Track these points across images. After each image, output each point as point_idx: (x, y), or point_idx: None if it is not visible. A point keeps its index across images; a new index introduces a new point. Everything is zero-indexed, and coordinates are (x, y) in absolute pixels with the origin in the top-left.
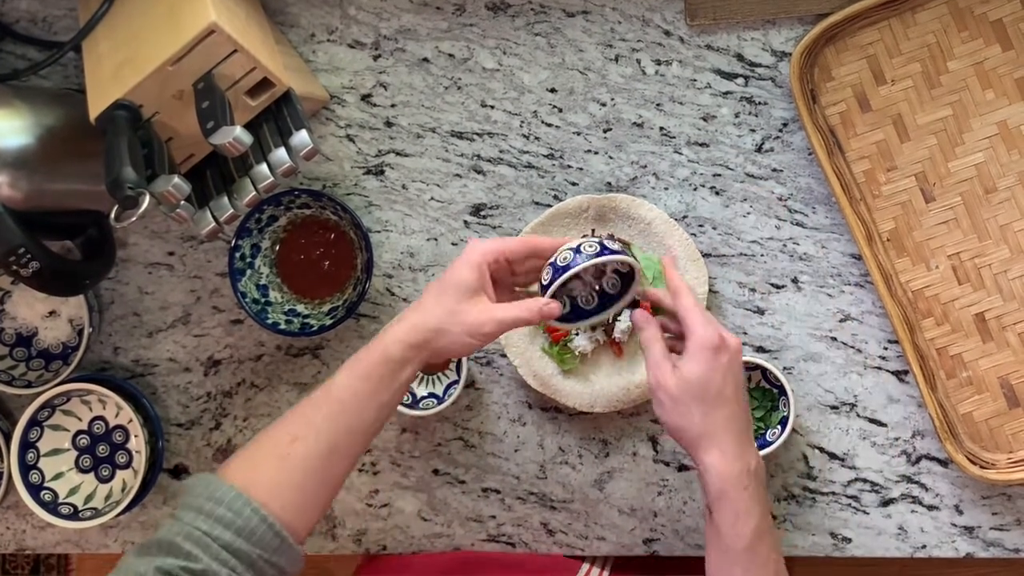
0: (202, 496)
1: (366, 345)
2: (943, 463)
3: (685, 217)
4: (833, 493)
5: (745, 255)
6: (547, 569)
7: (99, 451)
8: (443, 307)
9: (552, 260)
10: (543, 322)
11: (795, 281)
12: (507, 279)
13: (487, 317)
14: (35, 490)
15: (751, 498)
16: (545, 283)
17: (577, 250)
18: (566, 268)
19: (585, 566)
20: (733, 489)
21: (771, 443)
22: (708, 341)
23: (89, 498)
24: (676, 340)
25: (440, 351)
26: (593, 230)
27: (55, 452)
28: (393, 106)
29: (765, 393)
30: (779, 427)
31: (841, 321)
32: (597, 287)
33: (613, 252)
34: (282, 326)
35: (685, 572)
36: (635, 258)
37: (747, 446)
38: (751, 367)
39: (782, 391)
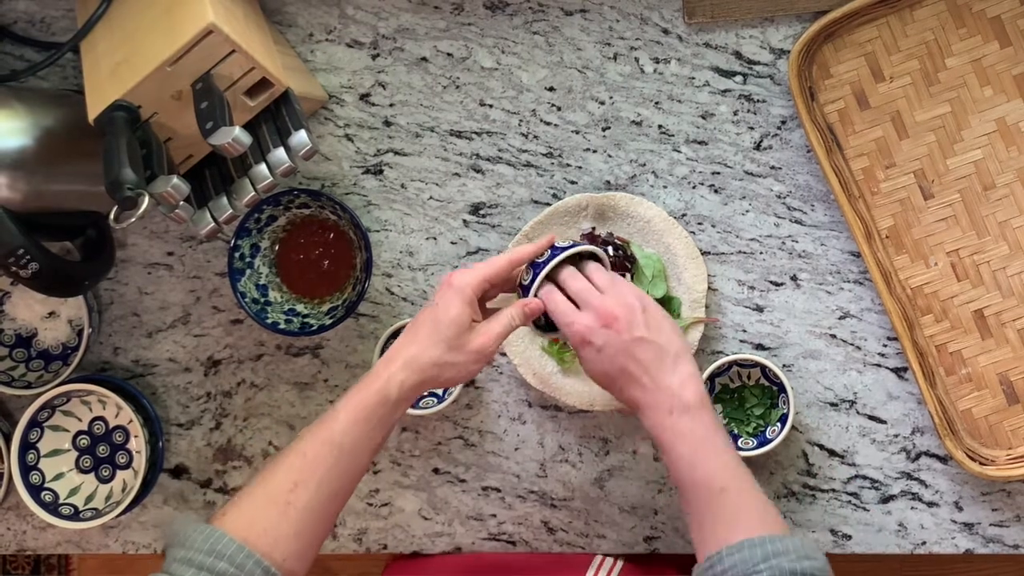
0: (202, 550)
1: (363, 381)
2: (943, 460)
3: (684, 215)
4: (833, 490)
5: (744, 253)
6: (560, 566)
7: (99, 451)
8: (442, 344)
9: (531, 261)
10: (529, 322)
11: (794, 279)
12: (487, 295)
13: (486, 338)
14: (35, 491)
15: (672, 436)
16: (526, 283)
17: (553, 247)
18: (544, 263)
19: (598, 558)
20: (657, 436)
21: (771, 440)
22: (574, 340)
23: (89, 498)
24: None
25: (447, 382)
26: (593, 228)
27: (55, 453)
28: (392, 105)
29: (765, 391)
30: (779, 424)
31: (840, 318)
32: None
33: (586, 244)
34: (282, 326)
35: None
36: (630, 253)
37: (657, 392)
38: (750, 364)
39: (781, 388)
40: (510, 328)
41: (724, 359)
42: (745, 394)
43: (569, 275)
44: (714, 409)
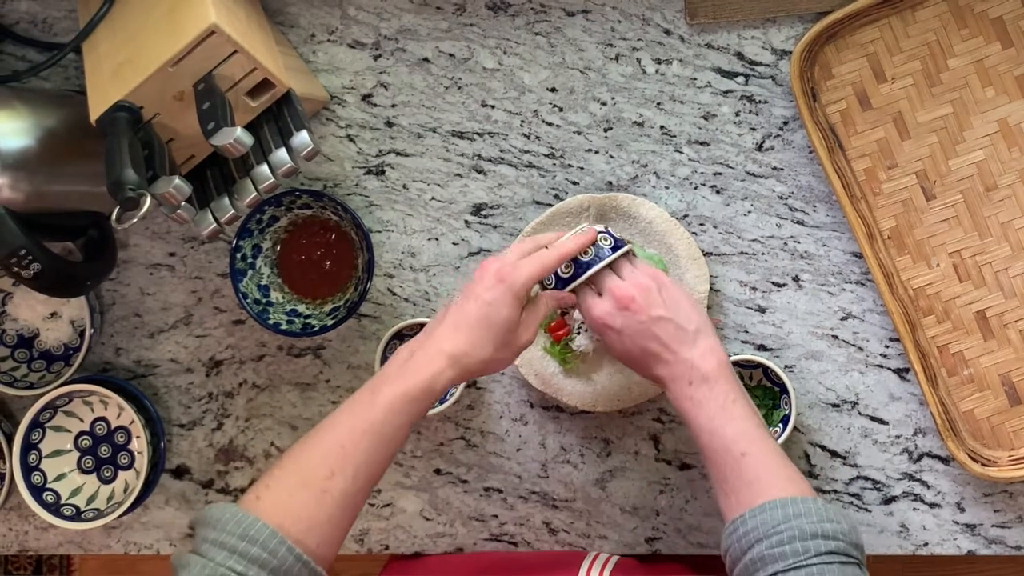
0: (234, 534)
1: (399, 370)
2: (945, 461)
3: (686, 216)
4: (835, 491)
5: (746, 254)
6: (554, 564)
7: (101, 452)
8: (493, 344)
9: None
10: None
11: (796, 279)
12: None
13: (529, 333)
14: (37, 491)
15: (693, 406)
16: (565, 276)
17: (595, 245)
18: (590, 265)
19: (592, 553)
20: (680, 409)
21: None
22: (597, 328)
23: (91, 499)
24: None
25: (487, 373)
26: None
27: (57, 453)
28: (394, 106)
29: (767, 392)
30: (781, 425)
31: (842, 319)
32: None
33: (623, 243)
34: (283, 326)
35: (692, 566)
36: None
37: (677, 364)
38: (752, 365)
39: (783, 389)
40: (543, 318)
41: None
42: (747, 395)
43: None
44: (736, 378)
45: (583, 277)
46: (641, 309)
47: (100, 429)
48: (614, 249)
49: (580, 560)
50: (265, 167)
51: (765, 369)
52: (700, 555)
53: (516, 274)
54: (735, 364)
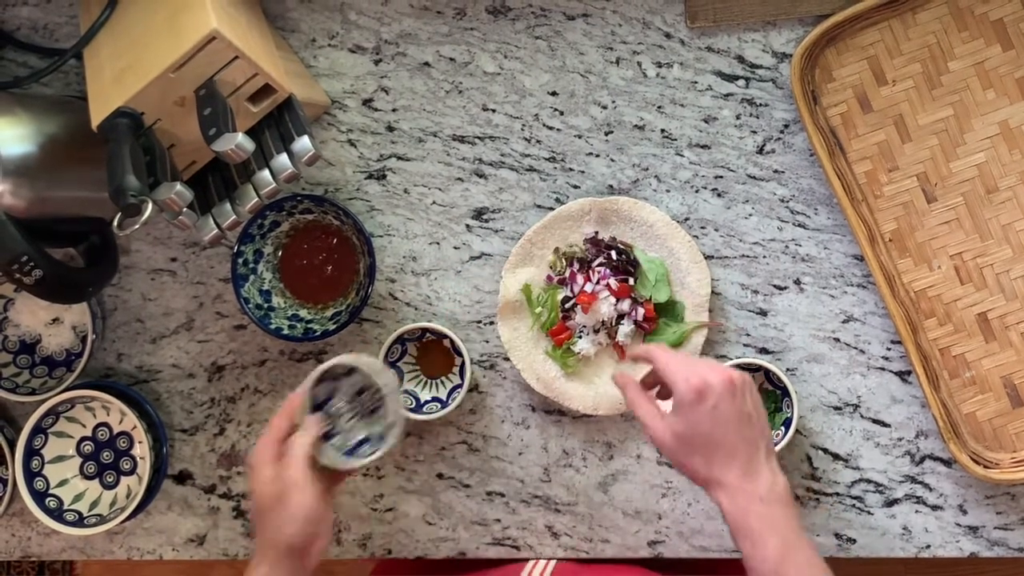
0: None
1: None
2: (947, 463)
3: (687, 219)
4: (837, 494)
5: (747, 257)
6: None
7: (103, 457)
8: (278, 519)
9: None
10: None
11: (797, 282)
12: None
13: (302, 495)
14: (40, 497)
15: (763, 524)
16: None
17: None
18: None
19: (529, 564)
20: (743, 521)
21: (775, 444)
22: (688, 392)
23: (94, 504)
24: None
25: (312, 546)
26: (596, 232)
27: (59, 459)
28: (394, 110)
29: (768, 395)
30: (782, 428)
31: (844, 322)
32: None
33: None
34: (285, 331)
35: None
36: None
37: (752, 476)
38: (754, 368)
39: (785, 392)
40: (305, 448)
41: (728, 363)
42: None
43: (660, 351)
44: None
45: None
46: (739, 396)
47: (102, 435)
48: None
49: (520, 569)
50: (266, 172)
51: (767, 372)
52: (702, 559)
53: (252, 452)
54: (738, 368)
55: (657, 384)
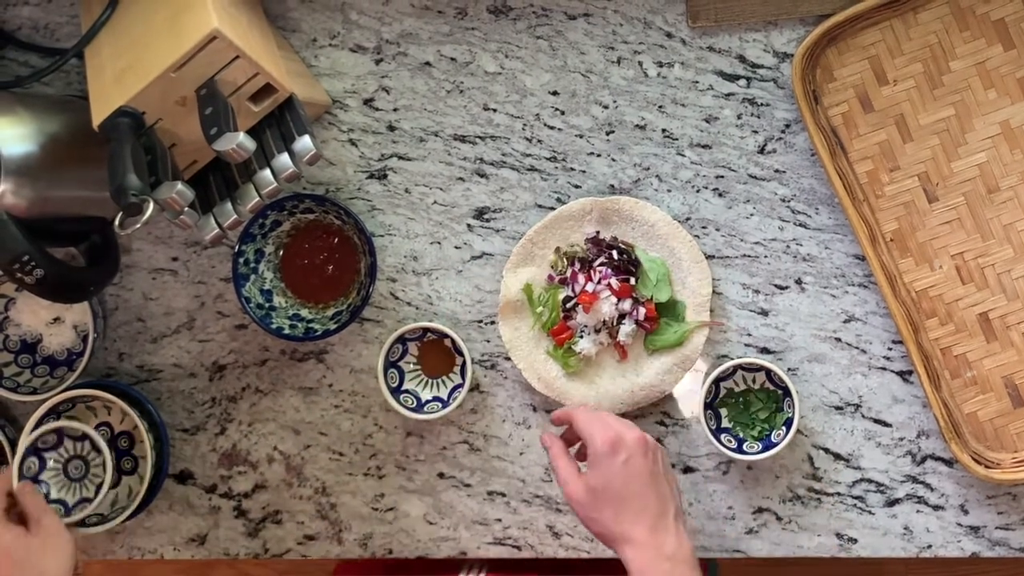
0: None
1: None
2: (948, 463)
3: (688, 219)
4: (838, 494)
5: (748, 256)
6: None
7: None
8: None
9: None
10: None
11: (799, 282)
12: None
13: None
14: None
15: None
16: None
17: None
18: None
19: (461, 573)
20: (656, 559)
21: (776, 444)
22: (604, 444)
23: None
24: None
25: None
26: (597, 232)
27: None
28: (395, 110)
29: (770, 395)
30: (784, 428)
31: (845, 322)
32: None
33: None
34: (286, 331)
35: (561, 572)
36: (634, 257)
37: (661, 533)
38: (755, 368)
39: (786, 392)
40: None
41: (729, 363)
42: (750, 398)
43: (581, 410)
44: None
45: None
46: (651, 455)
47: (103, 434)
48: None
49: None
50: (268, 172)
51: (768, 372)
52: (589, 560)
53: None
54: (738, 367)
55: (576, 442)
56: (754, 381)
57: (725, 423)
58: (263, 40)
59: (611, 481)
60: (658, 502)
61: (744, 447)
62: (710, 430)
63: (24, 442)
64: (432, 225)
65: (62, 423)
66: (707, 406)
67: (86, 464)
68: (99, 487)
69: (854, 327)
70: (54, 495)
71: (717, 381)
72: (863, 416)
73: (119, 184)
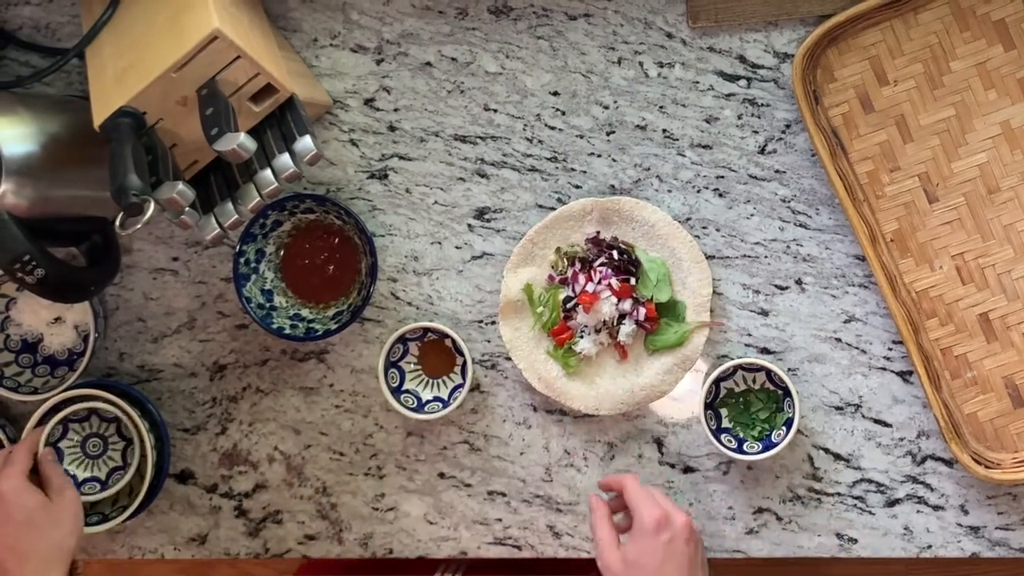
0: None
1: None
2: (948, 463)
3: (689, 219)
4: (838, 494)
5: (749, 257)
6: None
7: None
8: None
9: None
10: None
11: (799, 282)
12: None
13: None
14: None
15: None
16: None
17: None
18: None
19: (437, 573)
20: None
21: (776, 444)
22: (649, 523)
23: (95, 503)
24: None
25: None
26: (597, 232)
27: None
28: (396, 110)
29: (770, 395)
30: (784, 428)
31: (845, 322)
32: None
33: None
34: (287, 331)
35: (538, 572)
36: (635, 257)
37: None
38: (755, 368)
39: (787, 392)
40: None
41: (729, 363)
42: (750, 398)
43: (633, 480)
44: None
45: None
46: (692, 541)
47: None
48: None
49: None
50: (268, 172)
51: (768, 372)
52: (573, 559)
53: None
54: (739, 368)
55: (620, 511)
56: (754, 381)
57: (725, 423)
58: (264, 40)
59: (650, 559)
60: None
61: (744, 447)
62: (710, 430)
63: (53, 415)
64: (433, 225)
65: (97, 404)
66: (707, 406)
67: (104, 444)
68: (112, 471)
69: (854, 327)
70: (65, 466)
71: (717, 381)
72: (863, 416)
73: (120, 184)
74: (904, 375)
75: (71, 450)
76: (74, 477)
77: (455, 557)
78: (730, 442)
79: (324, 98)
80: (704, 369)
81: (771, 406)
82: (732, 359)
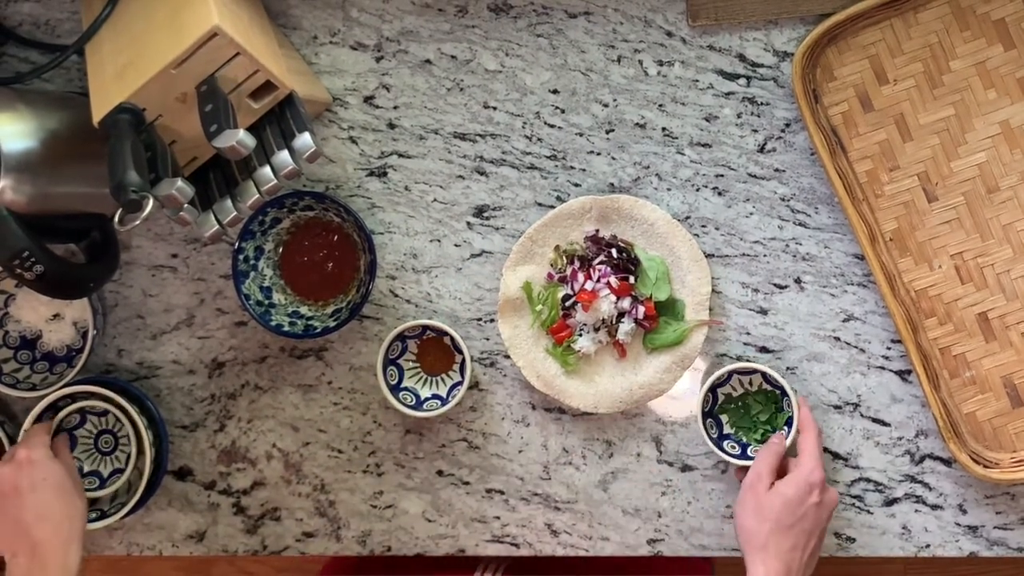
0: None
1: None
2: (947, 463)
3: (688, 218)
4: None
5: (748, 255)
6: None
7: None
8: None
9: None
10: None
11: (798, 281)
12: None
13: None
14: None
15: None
16: None
17: None
18: None
19: (477, 572)
20: None
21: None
22: (812, 476)
23: (94, 500)
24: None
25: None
26: (597, 230)
27: None
28: (396, 108)
29: (768, 396)
30: (786, 427)
31: (844, 321)
32: None
33: None
34: (286, 328)
35: (580, 572)
36: (634, 255)
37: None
38: (750, 372)
39: (784, 392)
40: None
41: (724, 369)
42: (749, 401)
43: (818, 433)
44: None
45: None
46: (832, 507)
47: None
48: None
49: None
50: (267, 169)
51: (764, 374)
52: (604, 558)
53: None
54: (733, 372)
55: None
56: (751, 384)
57: (727, 429)
58: (264, 37)
59: (796, 507)
60: (809, 556)
61: (748, 451)
62: (712, 439)
63: (51, 411)
64: (432, 223)
65: (81, 403)
66: (706, 415)
67: (115, 437)
68: (114, 471)
69: (853, 326)
70: (88, 469)
71: (713, 388)
72: (862, 415)
73: (119, 180)
74: (903, 374)
75: (84, 440)
76: (80, 469)
77: (496, 556)
78: (733, 448)
79: (324, 95)
80: (703, 367)
81: (771, 407)
82: (731, 357)
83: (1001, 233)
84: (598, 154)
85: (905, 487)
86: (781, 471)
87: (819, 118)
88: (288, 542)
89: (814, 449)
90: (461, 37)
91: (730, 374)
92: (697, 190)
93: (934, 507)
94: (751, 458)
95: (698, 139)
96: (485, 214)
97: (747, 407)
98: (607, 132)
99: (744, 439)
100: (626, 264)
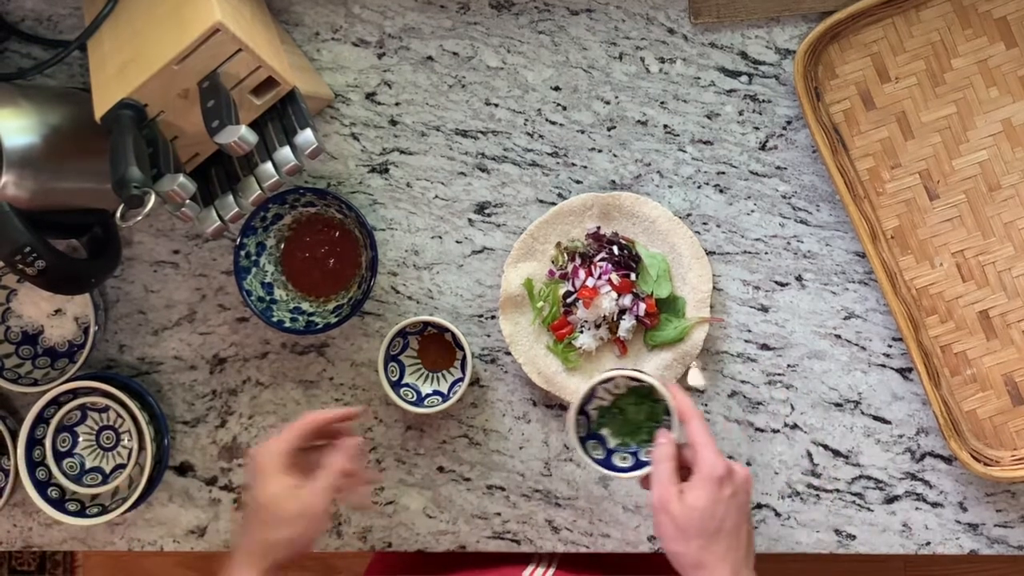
0: None
1: None
2: (947, 460)
3: (689, 215)
4: (837, 490)
5: (749, 253)
6: (493, 568)
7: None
8: (267, 525)
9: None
10: None
11: (799, 279)
12: (308, 457)
13: (319, 500)
14: (42, 487)
15: None
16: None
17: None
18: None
19: (531, 566)
20: None
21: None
22: (714, 471)
23: (95, 495)
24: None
25: (303, 551)
26: (598, 228)
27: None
28: (397, 104)
29: (637, 391)
30: (666, 416)
31: (845, 319)
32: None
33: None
34: (287, 324)
35: (634, 572)
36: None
37: (751, 561)
38: (609, 380)
39: (638, 381)
40: (333, 485)
41: (581, 393)
42: (621, 404)
43: (700, 419)
44: None
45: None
46: (749, 493)
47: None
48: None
49: (522, 566)
50: (269, 165)
51: (625, 376)
52: (659, 554)
53: (262, 451)
54: (591, 393)
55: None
56: (616, 387)
57: (612, 443)
58: (266, 33)
59: (712, 510)
60: (744, 548)
61: (641, 456)
62: (599, 461)
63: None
64: (433, 219)
65: (83, 399)
66: (584, 440)
67: (116, 433)
68: (117, 467)
69: (854, 324)
70: (89, 464)
71: (582, 411)
72: (862, 413)
73: (121, 176)
74: (904, 372)
75: (86, 436)
76: (81, 465)
77: (548, 551)
78: (625, 459)
79: (325, 92)
80: (703, 367)
81: (644, 403)
82: (731, 355)
83: (1002, 231)
84: (599, 151)
85: (906, 485)
86: (682, 463)
87: (821, 116)
88: None
89: (704, 438)
90: (463, 34)
91: (590, 395)
92: (698, 187)
93: (934, 505)
94: (645, 463)
95: (699, 136)
96: (487, 211)
97: (622, 411)
98: (608, 129)
99: (632, 444)
100: (627, 261)
